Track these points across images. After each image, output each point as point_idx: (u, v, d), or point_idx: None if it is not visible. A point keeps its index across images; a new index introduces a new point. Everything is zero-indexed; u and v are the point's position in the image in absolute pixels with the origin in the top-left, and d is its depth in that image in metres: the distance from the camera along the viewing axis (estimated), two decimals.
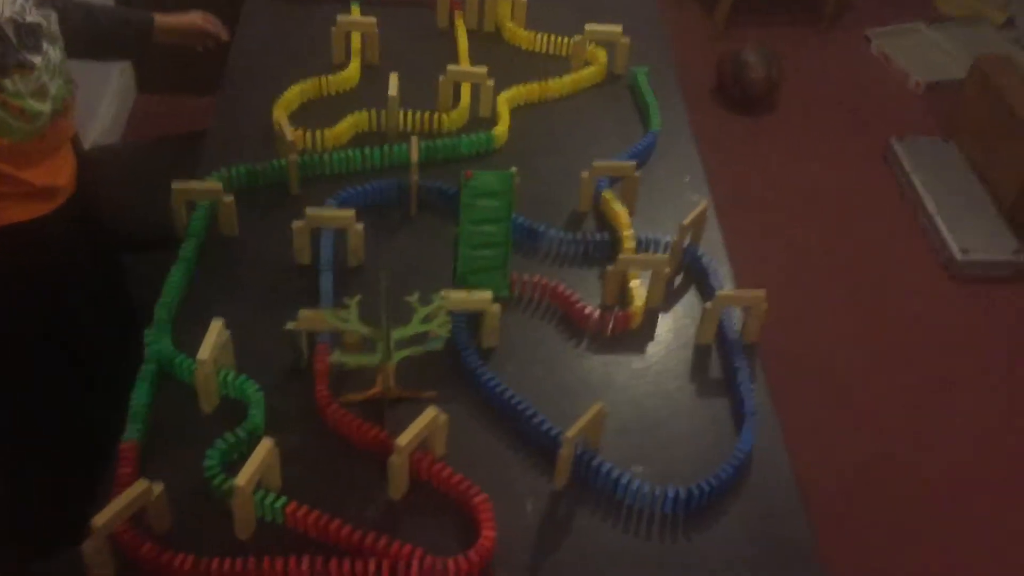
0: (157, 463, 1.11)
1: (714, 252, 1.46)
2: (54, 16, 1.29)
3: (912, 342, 2.54)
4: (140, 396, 1.15)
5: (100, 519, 0.97)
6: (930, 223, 2.85)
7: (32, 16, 1.22)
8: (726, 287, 1.39)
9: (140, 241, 1.65)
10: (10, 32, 1.18)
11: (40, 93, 1.26)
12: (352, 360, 1.19)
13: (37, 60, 1.24)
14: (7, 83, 1.20)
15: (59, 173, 1.36)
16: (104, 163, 1.86)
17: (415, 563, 1.01)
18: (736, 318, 1.34)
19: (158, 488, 1.02)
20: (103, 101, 2.75)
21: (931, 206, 2.86)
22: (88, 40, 1.51)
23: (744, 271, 1.47)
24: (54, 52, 1.28)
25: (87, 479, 1.12)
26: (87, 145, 2.08)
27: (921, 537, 2.08)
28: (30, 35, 1.22)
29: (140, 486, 1.00)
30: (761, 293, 1.30)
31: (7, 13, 1.18)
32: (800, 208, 2.95)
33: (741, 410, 1.22)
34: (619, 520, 1.11)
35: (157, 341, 1.22)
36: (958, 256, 2.71)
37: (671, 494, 1.11)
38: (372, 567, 1.01)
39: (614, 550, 1.08)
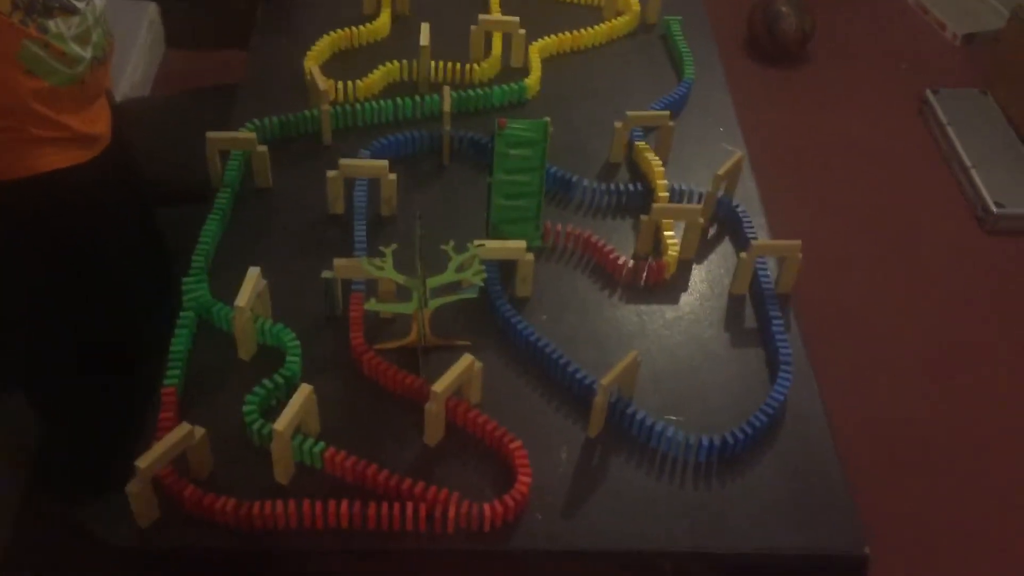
0: (197, 409, 1.13)
1: (748, 203, 1.44)
2: None
3: (945, 295, 2.52)
4: (179, 343, 1.17)
5: (144, 461, 0.99)
6: (965, 176, 2.81)
7: None
8: (760, 238, 1.38)
9: (173, 193, 1.66)
10: None
11: (82, 38, 1.28)
12: (387, 308, 1.19)
13: (80, 5, 1.27)
14: (50, 24, 1.23)
15: (96, 121, 1.37)
16: (136, 115, 1.86)
17: (452, 507, 1.02)
18: (771, 269, 1.33)
19: (200, 432, 1.03)
20: (131, 56, 2.76)
21: (966, 159, 2.82)
22: None
23: (778, 222, 1.46)
24: (98, 1, 1.31)
25: (129, 425, 1.14)
26: (118, 99, 2.09)
27: (954, 489, 2.08)
28: None
29: (183, 430, 1.02)
30: (796, 243, 1.29)
31: None
32: (833, 160, 2.92)
33: (775, 360, 1.22)
34: (653, 468, 1.12)
35: (195, 289, 1.23)
36: (993, 209, 2.67)
37: (705, 443, 1.11)
38: (409, 511, 1.02)
39: (648, 497, 1.09)
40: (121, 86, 2.60)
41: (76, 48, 1.27)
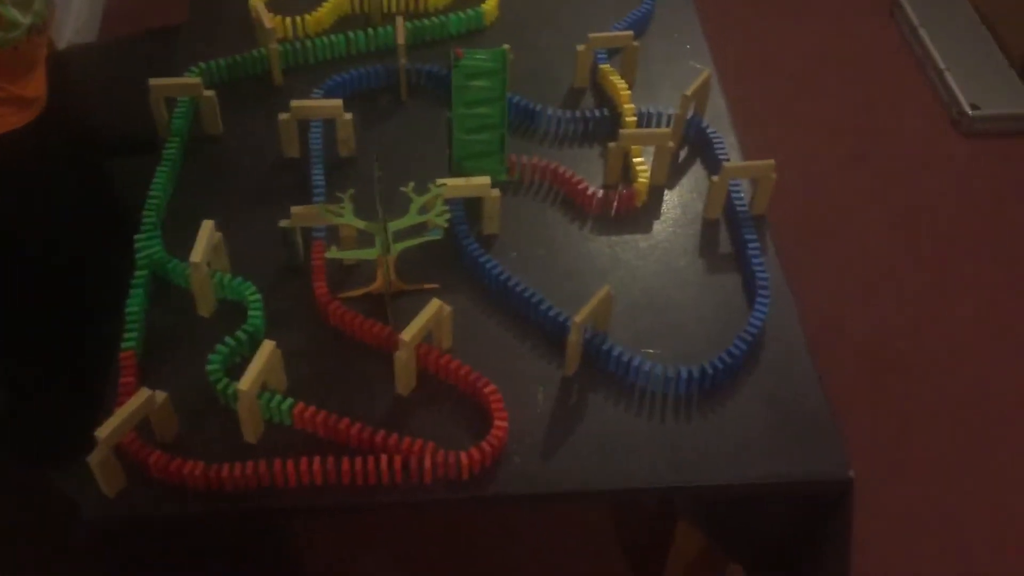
0: (159, 371, 1.09)
1: (719, 123, 1.40)
2: None
3: (923, 203, 2.49)
4: (135, 303, 1.12)
5: (104, 430, 0.95)
6: (939, 79, 2.76)
7: None
8: (733, 159, 1.34)
9: (123, 144, 1.60)
10: None
11: (23, 5, 1.24)
12: (350, 255, 1.15)
13: None
14: None
15: (28, 86, 1.31)
16: (80, 63, 1.78)
17: (427, 457, 1.00)
18: (744, 190, 1.30)
19: (161, 396, 1.00)
20: None
21: (940, 61, 2.77)
22: None
23: (750, 140, 1.42)
24: None
25: (92, 391, 1.10)
26: (62, 45, 2.00)
27: (939, 406, 2.07)
28: None
29: (143, 395, 0.98)
30: (769, 163, 1.25)
31: None
32: (804, 71, 2.86)
33: (752, 284, 1.19)
34: (632, 403, 1.09)
35: (148, 246, 1.18)
36: (969, 112, 2.63)
37: (684, 374, 1.09)
38: (384, 464, 0.99)
39: (629, 433, 1.07)
40: (65, 30, 2.49)
41: (15, 12, 1.22)
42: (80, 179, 1.49)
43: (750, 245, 1.22)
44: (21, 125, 1.30)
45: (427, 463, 1.00)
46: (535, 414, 1.08)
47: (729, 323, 1.17)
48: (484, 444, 1.01)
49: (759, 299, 1.16)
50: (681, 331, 1.16)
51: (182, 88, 1.34)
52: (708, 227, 1.29)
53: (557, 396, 1.10)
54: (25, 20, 1.25)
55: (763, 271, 1.19)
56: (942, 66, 2.75)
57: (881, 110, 2.75)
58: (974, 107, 2.64)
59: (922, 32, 2.87)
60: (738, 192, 1.28)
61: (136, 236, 1.19)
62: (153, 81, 1.32)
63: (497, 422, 1.03)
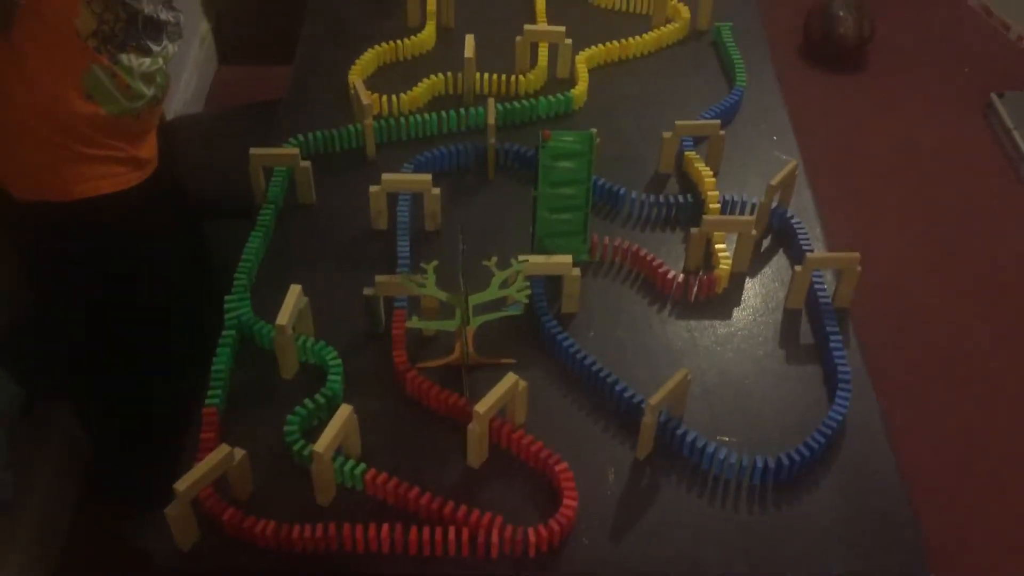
0: (238, 429, 1.11)
1: (804, 213, 1.39)
2: (183, 18, 1.40)
3: (1014, 308, 2.42)
4: (221, 362, 1.15)
5: (182, 484, 0.97)
6: None
7: (164, 15, 1.36)
8: (817, 250, 1.33)
9: (220, 209, 1.67)
10: (140, 21, 1.31)
11: (148, 77, 1.35)
12: (430, 325, 1.17)
13: (156, 48, 1.35)
14: (123, 57, 1.30)
15: (143, 148, 1.39)
16: (185, 132, 1.87)
17: (495, 531, 0.99)
18: (828, 282, 1.28)
19: (240, 453, 1.02)
20: (184, 73, 2.78)
21: None
22: None
23: (836, 234, 1.41)
24: (172, 48, 1.39)
25: (173, 444, 1.13)
26: (169, 116, 2.11)
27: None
28: (156, 28, 1.36)
29: (222, 451, 1.00)
30: (855, 255, 1.24)
31: (146, 10, 1.32)
32: (894, 168, 2.84)
33: (833, 377, 1.17)
34: (705, 490, 1.08)
35: (237, 307, 1.22)
36: None
37: (759, 464, 1.07)
38: (452, 535, 0.99)
39: (699, 521, 1.05)
40: (174, 103, 2.62)
41: (140, 85, 1.33)
42: (179, 239, 1.55)
43: (832, 337, 1.20)
44: (133, 184, 1.37)
45: (494, 537, 0.99)
46: (605, 495, 1.07)
47: (807, 414, 1.15)
48: (552, 522, 1.00)
49: (840, 392, 1.14)
50: (758, 420, 1.15)
51: (280, 158, 1.40)
52: (789, 317, 1.27)
53: (628, 478, 1.08)
54: (149, 92, 1.35)
55: (845, 364, 1.17)
56: None
57: (972, 210, 2.70)
58: None
59: (1016, 134, 2.83)
60: (821, 284, 1.27)
61: (226, 297, 1.23)
62: (253, 150, 1.37)
63: (566, 501, 1.02)
